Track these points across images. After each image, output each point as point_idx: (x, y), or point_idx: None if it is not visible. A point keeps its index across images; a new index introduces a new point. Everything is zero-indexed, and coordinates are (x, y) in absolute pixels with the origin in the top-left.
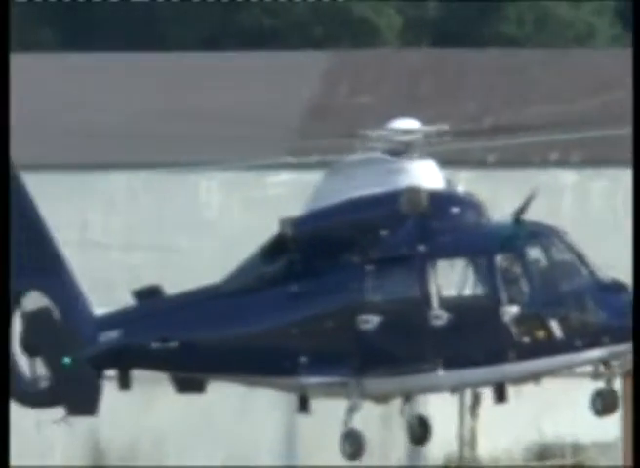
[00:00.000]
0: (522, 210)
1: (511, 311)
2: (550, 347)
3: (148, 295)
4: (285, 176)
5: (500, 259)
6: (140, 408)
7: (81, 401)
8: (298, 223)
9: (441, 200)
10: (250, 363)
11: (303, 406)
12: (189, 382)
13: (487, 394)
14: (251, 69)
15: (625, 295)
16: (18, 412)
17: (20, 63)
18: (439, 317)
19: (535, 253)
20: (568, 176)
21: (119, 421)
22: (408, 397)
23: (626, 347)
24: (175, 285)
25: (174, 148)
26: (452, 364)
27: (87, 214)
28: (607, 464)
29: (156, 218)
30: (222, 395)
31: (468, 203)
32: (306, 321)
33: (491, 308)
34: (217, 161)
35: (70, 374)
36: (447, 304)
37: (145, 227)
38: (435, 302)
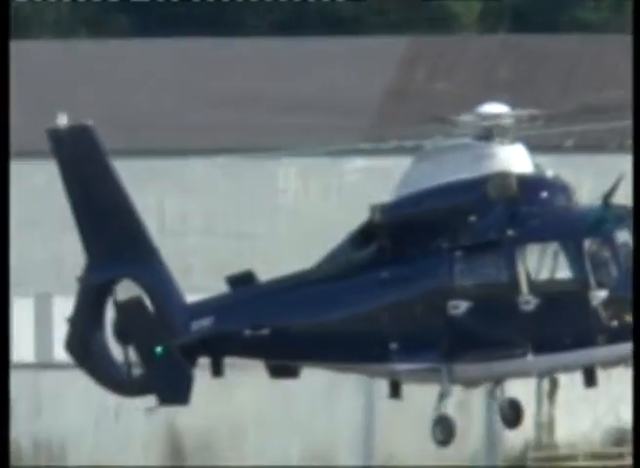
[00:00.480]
0: (610, 193)
1: (600, 295)
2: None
3: (242, 281)
4: (361, 163)
5: (588, 243)
6: (219, 396)
7: (173, 390)
8: (387, 209)
9: (530, 184)
10: (341, 349)
11: (395, 391)
12: (283, 368)
13: (565, 379)
14: (328, 55)
15: None
16: (99, 403)
17: (93, 50)
18: (528, 302)
19: (623, 236)
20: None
21: (198, 410)
22: (498, 381)
23: None
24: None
25: (251, 135)
26: (541, 348)
27: (164, 200)
28: None
29: (234, 205)
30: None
31: (557, 187)
32: (396, 306)
33: (580, 292)
34: (294, 147)
35: (162, 363)
36: (536, 289)
37: (223, 214)
38: (524, 287)
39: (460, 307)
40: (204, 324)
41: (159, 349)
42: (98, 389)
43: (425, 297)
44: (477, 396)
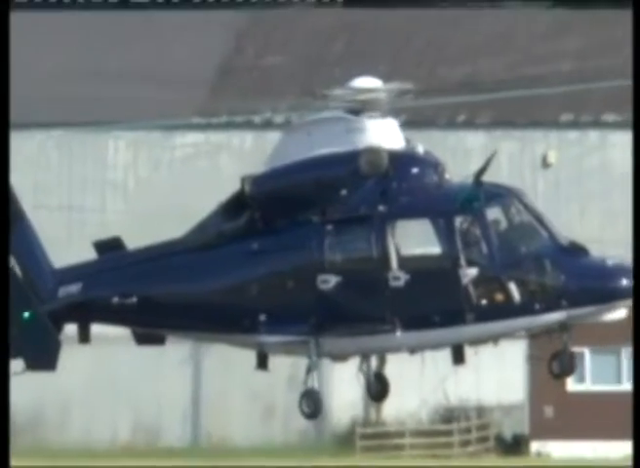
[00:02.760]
0: (482, 171)
1: (470, 273)
2: (509, 310)
3: (110, 247)
4: (193, 137)
5: (459, 221)
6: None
7: (40, 356)
8: (258, 181)
9: (401, 160)
10: (209, 319)
11: (262, 363)
12: (149, 336)
13: (393, 357)
14: (161, 29)
15: (584, 258)
16: None
17: None
18: (398, 278)
19: (494, 214)
20: (476, 138)
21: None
22: (366, 356)
23: (584, 311)
24: (82, 245)
25: (84, 108)
26: (410, 325)
27: None
28: (511, 425)
29: (65, 178)
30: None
31: (429, 163)
32: (266, 279)
33: (450, 270)
34: (126, 121)
35: (30, 329)
36: (406, 265)
37: (55, 186)
38: (394, 263)
39: (329, 281)
40: (72, 290)
41: (27, 314)
42: None
43: (295, 271)
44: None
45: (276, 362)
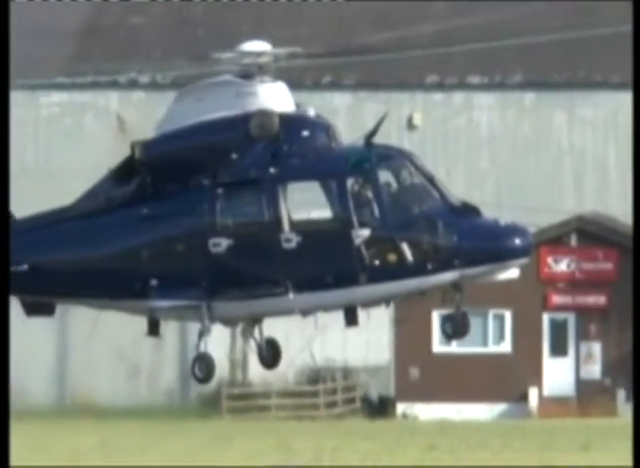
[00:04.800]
0: (372, 133)
1: (362, 234)
2: (401, 270)
3: None
4: (58, 97)
5: (350, 182)
6: None
7: None
8: (148, 146)
9: (292, 123)
10: (100, 286)
11: (153, 329)
12: (39, 306)
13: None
14: None
15: (476, 219)
16: None
17: None
18: (289, 240)
19: (385, 176)
20: (342, 99)
21: None
22: (257, 320)
23: (477, 270)
24: None
25: None
26: (302, 287)
27: None
28: (377, 387)
29: None
30: None
31: (319, 126)
32: (156, 243)
33: (342, 231)
34: None
35: None
36: (298, 227)
37: None
38: (286, 225)
39: (220, 245)
40: None
41: None
42: None
43: (186, 234)
44: (170, 334)
45: (143, 322)
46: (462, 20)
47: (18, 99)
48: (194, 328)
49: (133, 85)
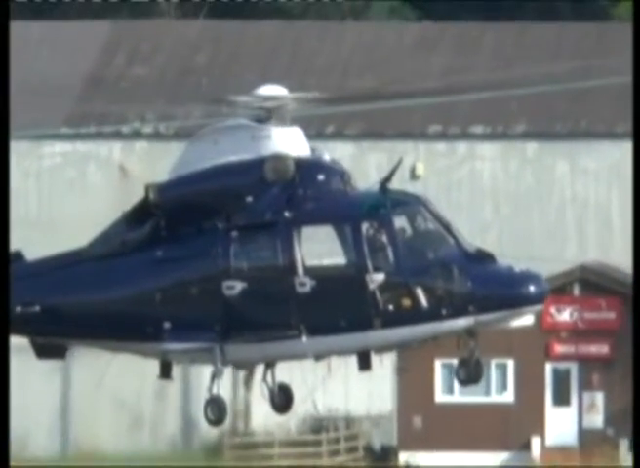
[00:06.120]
0: (388, 178)
1: (376, 279)
2: (415, 315)
3: (10, 261)
4: (60, 147)
5: (365, 227)
6: None
7: None
8: (162, 188)
9: (307, 167)
10: (113, 328)
11: (166, 372)
12: (50, 348)
13: (260, 367)
14: (30, 39)
15: (491, 265)
16: None
17: None
18: (304, 284)
19: (401, 221)
20: (345, 148)
21: None
22: (270, 364)
23: (492, 316)
24: None
25: None
26: (316, 331)
27: None
28: (380, 436)
29: None
30: None
31: (334, 170)
32: (170, 286)
33: (356, 276)
34: None
35: None
36: (312, 271)
37: None
38: (300, 269)
39: (234, 288)
40: None
41: None
42: None
43: (200, 278)
44: (174, 383)
45: (145, 372)
46: (465, 70)
47: (21, 149)
48: (195, 377)
49: (136, 135)
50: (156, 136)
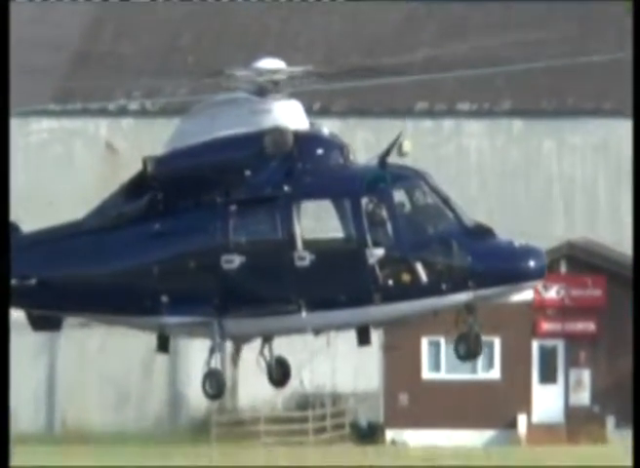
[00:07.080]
0: (387, 152)
1: (376, 253)
2: (415, 290)
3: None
4: (47, 123)
5: (365, 201)
6: None
7: None
8: (160, 162)
9: (306, 140)
10: (110, 301)
11: (163, 345)
12: (45, 320)
13: (251, 345)
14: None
15: (490, 240)
16: None
17: None
18: (303, 258)
19: (400, 196)
20: (332, 125)
21: None
22: (268, 338)
23: (491, 291)
24: None
25: None
26: (315, 305)
27: None
28: (366, 413)
29: None
30: None
31: (333, 144)
32: (168, 260)
33: (356, 250)
34: None
35: None
36: (311, 246)
37: None
38: (299, 243)
39: (233, 262)
40: None
41: None
42: None
43: (198, 251)
44: (161, 360)
45: (130, 348)
46: (452, 48)
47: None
48: (184, 354)
49: (122, 112)
50: (142, 113)
